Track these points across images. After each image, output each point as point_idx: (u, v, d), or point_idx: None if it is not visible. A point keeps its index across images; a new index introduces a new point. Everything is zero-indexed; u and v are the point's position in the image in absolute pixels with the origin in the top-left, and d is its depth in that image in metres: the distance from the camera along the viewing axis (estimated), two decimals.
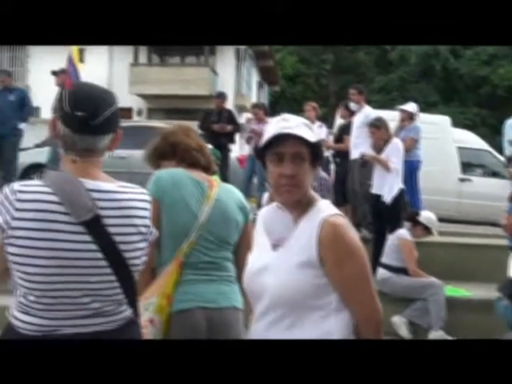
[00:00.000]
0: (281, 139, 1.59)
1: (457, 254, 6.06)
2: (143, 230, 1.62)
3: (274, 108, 24.11)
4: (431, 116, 9.90)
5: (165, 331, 2.12)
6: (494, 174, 9.36)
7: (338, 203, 6.15)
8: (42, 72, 18.74)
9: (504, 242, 5.58)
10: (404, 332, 4.92)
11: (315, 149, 1.63)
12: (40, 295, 1.50)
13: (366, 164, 6.29)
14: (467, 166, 9.43)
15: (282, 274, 1.61)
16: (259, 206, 6.81)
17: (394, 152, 5.88)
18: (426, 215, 5.53)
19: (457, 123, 13.15)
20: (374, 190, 6.00)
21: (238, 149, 11.28)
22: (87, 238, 1.50)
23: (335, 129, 8.59)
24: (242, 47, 20.75)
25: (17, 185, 1.51)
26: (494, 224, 7.13)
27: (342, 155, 7.32)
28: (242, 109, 19.13)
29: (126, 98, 17.28)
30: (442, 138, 8.91)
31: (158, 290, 2.14)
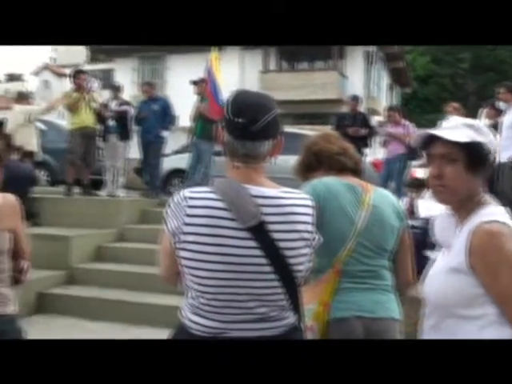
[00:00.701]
0: (431, 140, 1.60)
1: None
2: (306, 235, 1.61)
3: (405, 110, 23.18)
4: None
5: (322, 338, 2.08)
6: None
7: None
8: (179, 82, 19.92)
9: None
10: None
11: (471, 150, 1.56)
12: (210, 298, 1.54)
13: None
14: None
15: (436, 279, 1.61)
16: None
17: None
18: None
19: None
20: None
21: (373, 153, 11.01)
22: (253, 243, 1.52)
23: None
24: (373, 50, 20.32)
25: (187, 191, 1.56)
26: None
27: None
28: (372, 112, 18.72)
29: None
30: None
31: (315, 297, 2.11)
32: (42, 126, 9.31)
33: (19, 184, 5.31)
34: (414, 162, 8.53)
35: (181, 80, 19.68)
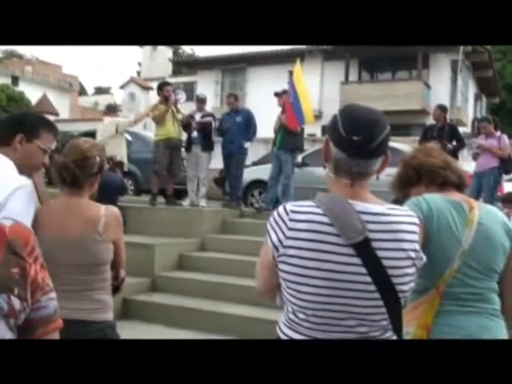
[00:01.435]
0: None
1: None
2: (412, 254, 1.53)
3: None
4: None
5: None
6: None
7: None
8: (258, 94, 20.21)
9: None
10: None
11: None
12: (310, 314, 1.50)
13: None
14: None
15: None
16: None
17: None
18: None
19: None
20: None
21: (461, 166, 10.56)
22: (357, 260, 1.47)
23: None
24: (459, 58, 19.61)
25: (290, 205, 1.54)
26: None
27: None
28: (457, 123, 18.02)
29: None
30: None
31: (414, 319, 1.99)
32: (129, 137, 9.66)
33: (110, 193, 5.50)
34: (505, 176, 8.08)
35: (260, 92, 20.00)
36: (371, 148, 1.48)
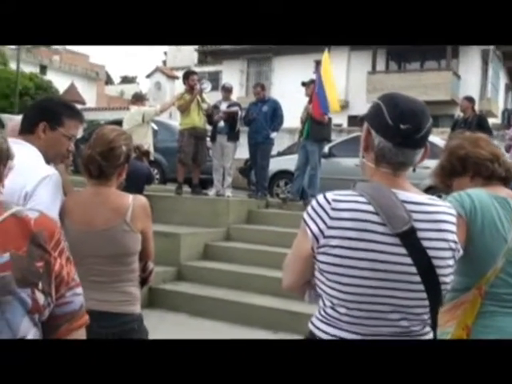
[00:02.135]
0: None
1: None
2: (453, 245, 1.49)
3: None
4: None
5: None
6: None
7: None
8: (283, 84, 20.06)
9: None
10: None
11: None
12: (352, 307, 1.45)
13: None
14: None
15: None
16: None
17: None
18: None
19: None
20: None
21: None
22: (402, 250, 1.42)
23: None
24: (490, 48, 19.17)
25: (331, 194, 1.49)
26: None
27: None
28: (488, 114, 17.64)
29: (363, 107, 17.34)
30: None
31: (453, 319, 1.92)
32: (155, 126, 9.67)
33: (137, 182, 5.50)
34: None
35: (285, 81, 19.85)
36: (418, 137, 1.45)
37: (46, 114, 2.16)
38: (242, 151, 8.90)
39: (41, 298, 1.21)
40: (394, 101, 1.48)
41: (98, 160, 2.22)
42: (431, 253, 1.43)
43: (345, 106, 18.95)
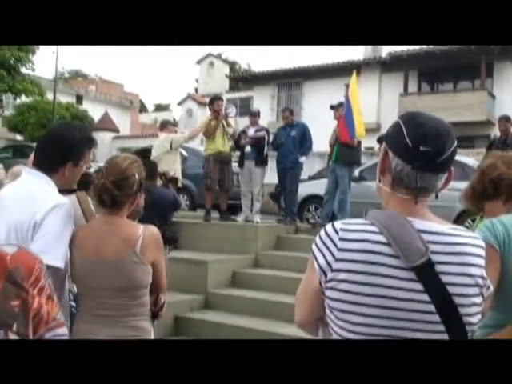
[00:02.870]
0: None
1: None
2: (480, 281, 1.33)
3: None
4: None
5: None
6: None
7: None
8: (314, 108, 20.01)
9: None
10: None
11: None
12: None
13: None
14: None
15: None
16: None
17: None
18: None
19: None
20: None
21: None
22: (418, 286, 1.27)
23: None
24: None
25: (339, 223, 1.36)
26: None
27: None
28: None
29: None
30: None
31: None
32: (184, 153, 9.70)
33: (162, 209, 5.46)
34: None
35: (316, 106, 19.79)
36: (440, 161, 1.31)
37: (71, 154, 2.15)
38: (273, 176, 8.81)
39: None
40: (416, 120, 1.36)
41: (111, 189, 2.16)
42: (452, 289, 1.29)
43: (376, 128, 18.73)
